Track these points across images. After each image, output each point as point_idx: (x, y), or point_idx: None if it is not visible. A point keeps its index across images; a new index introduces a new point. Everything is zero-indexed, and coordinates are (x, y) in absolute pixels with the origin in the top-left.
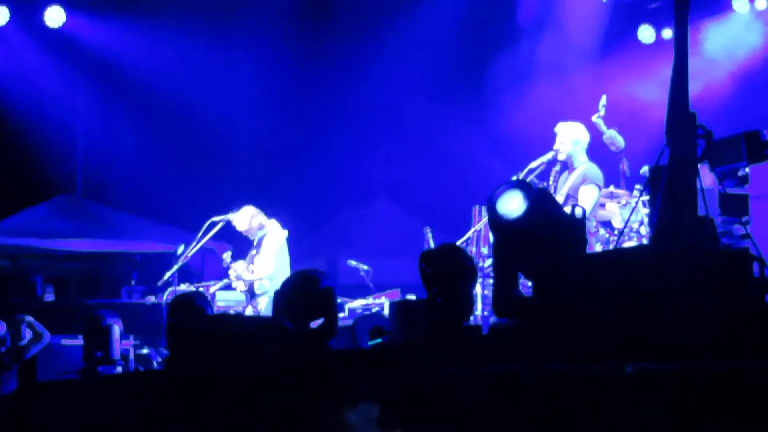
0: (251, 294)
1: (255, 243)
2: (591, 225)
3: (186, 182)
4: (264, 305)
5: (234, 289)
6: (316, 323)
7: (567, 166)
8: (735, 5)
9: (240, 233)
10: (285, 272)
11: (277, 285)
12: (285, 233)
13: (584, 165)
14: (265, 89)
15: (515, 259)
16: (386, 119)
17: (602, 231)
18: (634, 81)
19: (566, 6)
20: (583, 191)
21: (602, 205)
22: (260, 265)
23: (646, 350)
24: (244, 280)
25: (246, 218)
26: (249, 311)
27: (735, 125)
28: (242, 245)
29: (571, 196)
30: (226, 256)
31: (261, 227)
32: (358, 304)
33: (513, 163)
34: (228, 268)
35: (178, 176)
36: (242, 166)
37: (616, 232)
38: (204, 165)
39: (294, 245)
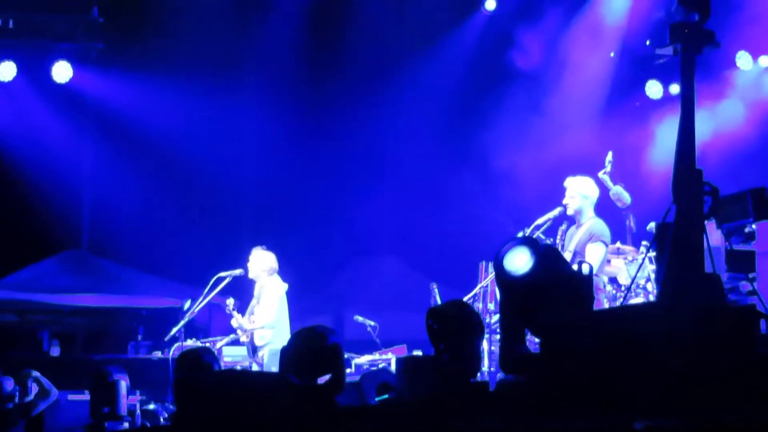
0: (253, 348)
1: (256, 293)
2: (599, 281)
3: (193, 237)
4: (267, 357)
5: (242, 344)
6: (323, 379)
7: (574, 221)
8: (739, 63)
9: (247, 279)
10: (285, 324)
11: (279, 336)
12: (285, 286)
13: (591, 221)
14: (271, 143)
15: (522, 315)
16: (392, 174)
17: (609, 287)
18: (641, 136)
19: (574, 60)
20: (590, 249)
21: (608, 261)
22: (261, 314)
23: (654, 406)
24: (244, 330)
25: (265, 259)
26: (254, 368)
27: (742, 182)
28: (247, 301)
29: (579, 253)
30: (230, 302)
31: (271, 272)
32: (364, 359)
33: (520, 219)
34: (231, 316)
35: (184, 231)
36: (248, 222)
37: (622, 288)
38: (211, 220)
39: (300, 301)
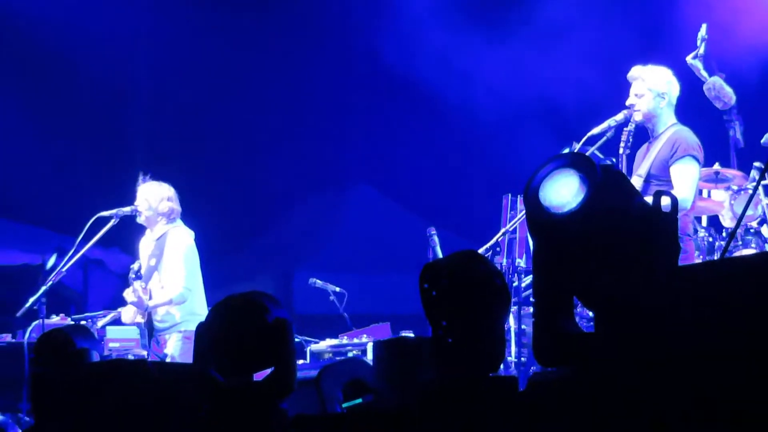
0: (151, 331)
1: (149, 250)
2: (688, 222)
3: (60, 164)
4: (173, 347)
5: (134, 325)
6: (261, 375)
7: (646, 131)
8: None
9: (135, 219)
10: (198, 293)
11: (192, 312)
12: (191, 234)
13: (673, 129)
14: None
15: (568, 275)
16: (365, 68)
17: (703, 232)
18: (747, 4)
19: None
20: (676, 170)
21: (701, 193)
22: (166, 282)
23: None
24: (144, 308)
25: (158, 194)
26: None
27: None
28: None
29: (655, 178)
30: (135, 266)
31: (171, 217)
32: (325, 345)
33: (561, 128)
34: (128, 283)
35: (50, 155)
36: (147, 142)
37: (724, 233)
38: (89, 136)
39: (225, 256)
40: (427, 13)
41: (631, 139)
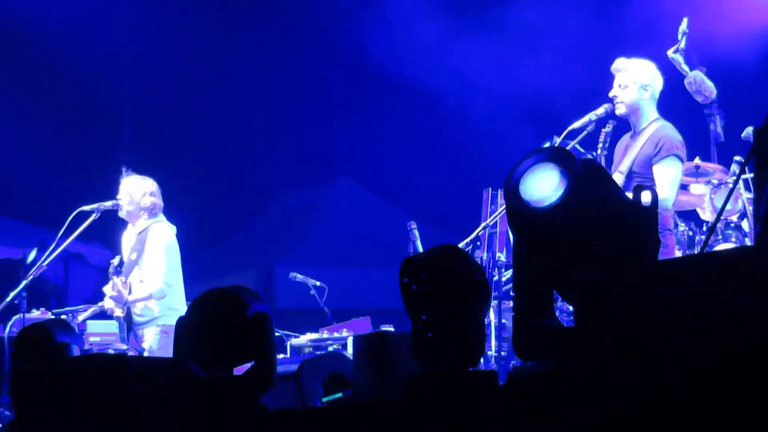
0: (129, 325)
1: (130, 244)
2: (669, 217)
3: (44, 158)
4: (151, 341)
5: (115, 318)
6: (241, 369)
7: (628, 125)
8: None
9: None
10: (178, 289)
11: (171, 306)
12: (173, 229)
13: (655, 124)
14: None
15: (549, 270)
16: (349, 62)
17: (683, 226)
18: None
19: None
20: (660, 170)
21: (684, 187)
22: (146, 278)
23: (753, 414)
24: (123, 302)
25: (141, 188)
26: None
27: None
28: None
29: (637, 174)
30: (115, 261)
31: (153, 212)
32: (305, 339)
33: (543, 123)
34: (108, 278)
35: (32, 150)
36: (129, 137)
37: (704, 227)
38: (71, 131)
39: (207, 250)
40: (412, 8)
41: (608, 140)
